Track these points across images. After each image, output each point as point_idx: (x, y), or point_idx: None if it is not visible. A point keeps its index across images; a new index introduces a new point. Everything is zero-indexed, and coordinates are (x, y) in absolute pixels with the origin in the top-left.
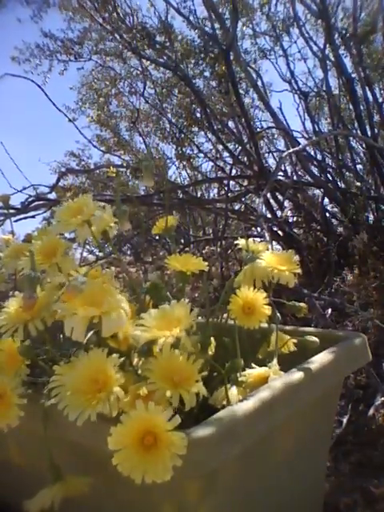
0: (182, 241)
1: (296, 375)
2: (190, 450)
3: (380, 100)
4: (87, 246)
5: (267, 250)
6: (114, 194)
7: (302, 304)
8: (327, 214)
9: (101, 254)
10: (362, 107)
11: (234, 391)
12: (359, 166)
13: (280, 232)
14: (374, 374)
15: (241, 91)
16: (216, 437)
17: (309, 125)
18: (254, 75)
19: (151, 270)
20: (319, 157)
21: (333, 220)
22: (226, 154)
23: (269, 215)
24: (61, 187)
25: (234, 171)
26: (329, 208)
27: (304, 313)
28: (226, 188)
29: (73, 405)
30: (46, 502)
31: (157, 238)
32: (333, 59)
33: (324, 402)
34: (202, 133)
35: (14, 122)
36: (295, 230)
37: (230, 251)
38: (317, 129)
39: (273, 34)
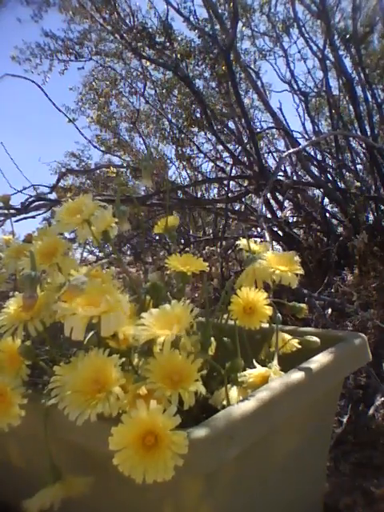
0: (182, 241)
1: (296, 375)
2: (188, 451)
3: (380, 100)
4: (87, 246)
5: (268, 250)
6: (114, 194)
7: (302, 305)
8: (327, 214)
9: (101, 254)
10: (361, 107)
11: (234, 391)
12: (359, 166)
13: (280, 232)
14: (374, 373)
15: (241, 92)
16: (215, 437)
17: (309, 125)
18: (254, 76)
19: (151, 270)
20: (319, 157)
21: (333, 220)
22: (226, 154)
23: (269, 215)
24: (61, 187)
25: (234, 171)
26: (329, 208)
27: (304, 313)
28: (226, 188)
29: (73, 405)
30: (46, 502)
31: (157, 238)
32: (333, 59)
33: (324, 402)
34: (202, 133)
35: (14, 121)
36: (295, 230)
37: (230, 251)
38: (317, 129)
39: (273, 35)
